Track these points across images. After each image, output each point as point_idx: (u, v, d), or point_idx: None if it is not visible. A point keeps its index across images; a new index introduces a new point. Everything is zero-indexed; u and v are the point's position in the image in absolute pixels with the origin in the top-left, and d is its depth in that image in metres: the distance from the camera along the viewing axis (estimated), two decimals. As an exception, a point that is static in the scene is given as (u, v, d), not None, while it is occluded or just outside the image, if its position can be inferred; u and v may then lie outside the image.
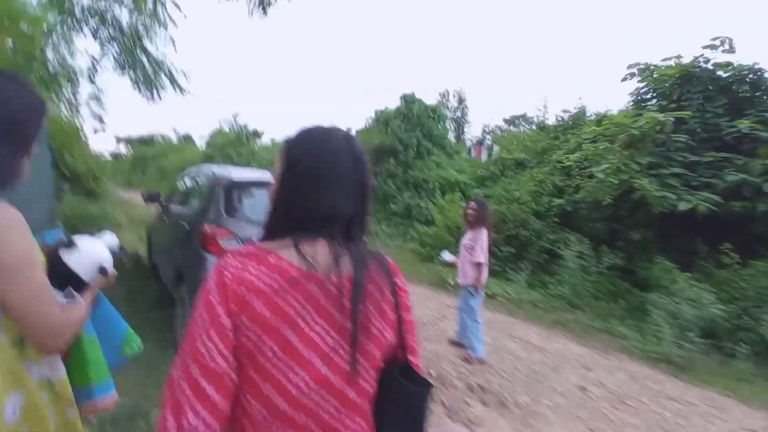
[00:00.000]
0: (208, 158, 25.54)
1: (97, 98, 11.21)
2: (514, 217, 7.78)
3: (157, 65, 5.53)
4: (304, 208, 0.72)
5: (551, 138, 9.88)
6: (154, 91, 5.58)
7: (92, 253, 1.02)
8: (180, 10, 5.41)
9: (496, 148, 13.76)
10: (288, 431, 0.63)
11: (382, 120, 14.26)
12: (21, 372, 0.83)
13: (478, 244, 3.77)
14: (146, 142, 35.57)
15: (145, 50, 5.46)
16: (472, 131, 20.31)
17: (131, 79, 5.59)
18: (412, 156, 13.27)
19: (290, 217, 0.72)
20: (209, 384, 0.59)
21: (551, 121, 11.46)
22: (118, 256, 1.10)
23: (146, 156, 30.34)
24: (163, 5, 5.28)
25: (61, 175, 5.52)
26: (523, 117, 27.47)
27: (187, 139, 37.41)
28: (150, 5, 5.22)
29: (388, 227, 11.55)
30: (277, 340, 0.62)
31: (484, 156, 14.28)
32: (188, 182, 4.42)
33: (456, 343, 4.14)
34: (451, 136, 18.61)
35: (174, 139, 37.22)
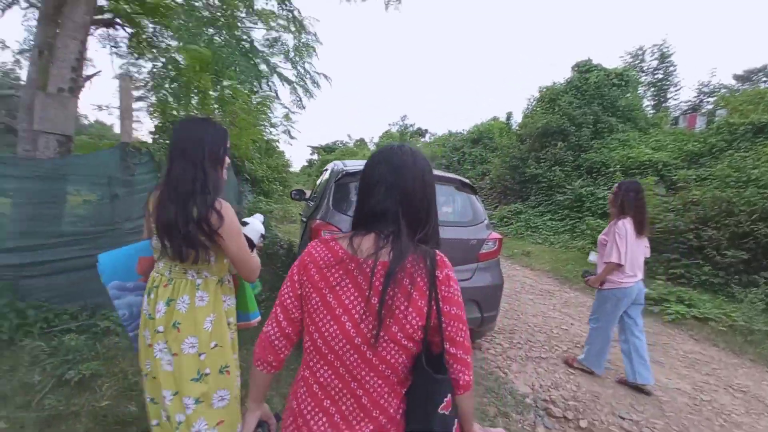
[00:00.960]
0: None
1: (288, 117, 13.59)
2: (749, 207, 5.32)
3: (306, 73, 6.40)
4: (361, 208, 0.93)
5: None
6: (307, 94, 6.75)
7: (255, 226, 1.57)
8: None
9: (721, 113, 10.00)
10: (321, 362, 0.88)
11: (548, 98, 12.33)
12: (219, 301, 1.40)
13: (613, 237, 2.84)
14: (329, 148, 41.77)
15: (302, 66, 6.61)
16: (682, 96, 15.37)
17: (291, 90, 6.62)
18: (587, 136, 11.00)
19: (358, 215, 0.93)
20: (280, 312, 0.93)
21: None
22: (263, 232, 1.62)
23: (328, 161, 35.51)
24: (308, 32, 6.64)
25: (243, 179, 6.70)
26: (764, 71, 19.21)
27: (361, 143, 42.22)
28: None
29: (553, 221, 9.88)
30: (320, 297, 0.87)
31: (700, 125, 10.60)
32: (321, 178, 4.60)
33: (621, 381, 3.01)
34: (648, 106, 14.66)
35: (351, 144, 42.55)
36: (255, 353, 0.96)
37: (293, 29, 7.00)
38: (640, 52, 15.62)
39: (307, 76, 7.07)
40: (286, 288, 0.93)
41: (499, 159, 13.66)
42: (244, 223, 1.54)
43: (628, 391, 2.90)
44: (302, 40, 8.04)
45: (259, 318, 1.68)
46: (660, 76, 15.29)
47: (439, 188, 3.15)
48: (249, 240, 1.48)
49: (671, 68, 15.21)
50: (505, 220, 11.03)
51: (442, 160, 18.17)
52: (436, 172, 3.41)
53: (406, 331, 0.82)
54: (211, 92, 9.76)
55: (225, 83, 11.47)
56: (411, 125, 37.27)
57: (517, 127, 14.51)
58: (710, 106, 13.63)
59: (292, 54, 7.96)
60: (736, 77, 21.14)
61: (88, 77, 4.78)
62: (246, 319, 1.63)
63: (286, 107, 14.58)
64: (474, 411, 0.94)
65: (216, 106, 10.34)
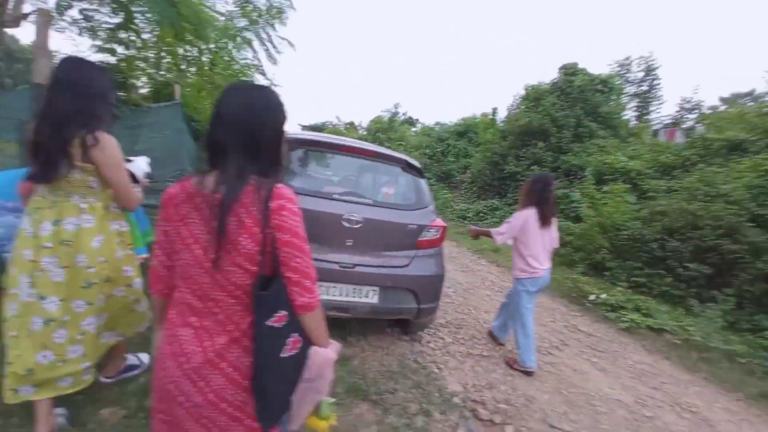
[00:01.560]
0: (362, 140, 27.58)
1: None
2: (715, 222, 5.23)
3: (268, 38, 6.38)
4: (207, 142, 0.99)
5: (804, 106, 6.36)
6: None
7: (140, 164, 2.03)
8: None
9: (701, 129, 10.00)
10: (185, 285, 0.98)
11: (533, 96, 12.15)
12: (105, 224, 1.65)
13: (510, 220, 3.00)
14: (318, 128, 40.95)
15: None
16: (665, 110, 15.47)
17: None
18: (567, 138, 10.88)
19: (207, 150, 0.99)
20: (158, 246, 1.03)
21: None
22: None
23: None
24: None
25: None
26: (751, 95, 19.53)
27: (350, 126, 41.60)
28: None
29: (526, 221, 9.76)
30: (176, 230, 0.97)
31: (679, 141, 10.60)
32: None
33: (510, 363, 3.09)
34: (631, 117, 14.70)
35: (341, 125, 41.85)
36: (148, 283, 1.10)
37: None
38: (627, 62, 15.62)
39: (268, 40, 6.72)
40: (158, 225, 1.02)
41: (480, 154, 13.47)
42: (128, 161, 1.88)
43: (566, 398, 2.70)
44: (273, 3, 7.55)
45: (144, 255, 2.06)
46: (644, 88, 15.33)
47: (382, 168, 2.84)
48: (133, 175, 1.88)
49: (656, 81, 15.26)
50: (480, 214, 10.87)
51: (426, 149, 17.89)
52: (383, 150, 3.11)
53: (245, 256, 0.92)
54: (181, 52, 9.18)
55: (203, 46, 10.82)
56: (404, 113, 36.77)
57: (501, 123, 14.33)
58: (694, 124, 13.74)
59: (257, 16, 7.47)
60: (722, 99, 21.44)
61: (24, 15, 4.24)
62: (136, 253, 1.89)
63: (268, 78, 13.93)
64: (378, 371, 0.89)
65: (185, 68, 9.70)
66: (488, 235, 3.07)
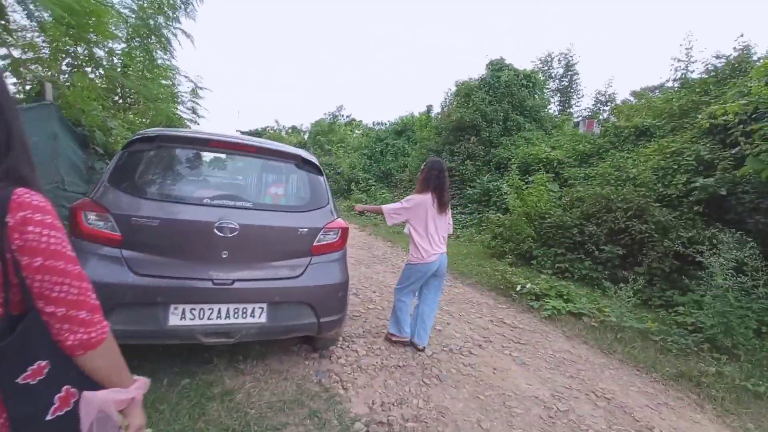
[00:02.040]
0: (301, 145, 26.82)
1: (194, 92, 12.19)
2: (625, 204, 5.47)
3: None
4: None
5: (696, 93, 6.94)
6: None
7: None
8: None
9: (614, 120, 10.73)
10: None
11: (464, 92, 12.37)
12: None
13: (405, 202, 3.04)
14: (257, 134, 39.29)
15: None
16: (584, 103, 16.60)
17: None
18: (497, 132, 11.17)
19: None
20: None
21: (698, 74, 8.26)
22: None
23: (254, 146, 33.47)
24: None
25: (94, 152, 5.45)
26: (660, 89, 21.59)
27: (294, 130, 40.44)
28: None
29: (463, 214, 9.84)
30: None
31: (597, 132, 11.32)
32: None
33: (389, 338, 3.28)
34: (555, 110, 15.55)
35: (282, 130, 40.50)
36: None
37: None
38: (549, 58, 16.53)
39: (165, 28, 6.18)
40: None
41: (416, 151, 13.48)
42: None
43: (481, 404, 2.52)
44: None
45: None
46: (565, 83, 16.33)
47: (270, 165, 2.45)
48: None
49: (575, 76, 16.34)
50: (417, 213, 10.82)
51: (365, 150, 17.67)
52: (271, 145, 2.75)
53: None
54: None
55: (106, 45, 9.71)
56: (347, 116, 36.29)
57: (436, 119, 14.48)
58: (608, 116, 14.82)
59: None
60: (633, 93, 23.51)
61: None
62: None
63: (192, 81, 12.83)
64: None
65: (91, 70, 8.64)
66: (378, 212, 3.11)
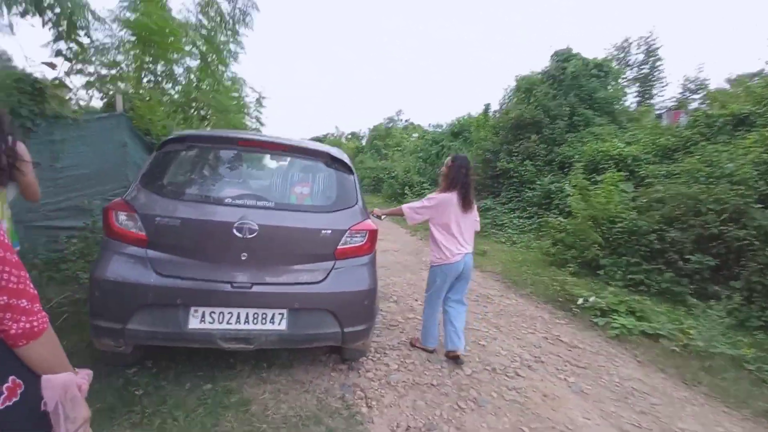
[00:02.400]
0: (357, 150, 27.32)
1: (259, 102, 13.09)
2: (719, 206, 4.61)
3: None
4: None
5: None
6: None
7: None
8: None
9: (705, 108, 9.30)
10: None
11: (524, 88, 11.59)
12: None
13: (428, 201, 2.93)
14: (318, 140, 40.88)
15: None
16: (668, 92, 14.69)
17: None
18: (561, 129, 10.28)
19: None
20: None
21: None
22: None
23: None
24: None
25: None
26: (760, 75, 18.41)
27: (353, 136, 41.56)
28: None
29: (521, 218, 9.17)
30: None
31: (684, 122, 9.91)
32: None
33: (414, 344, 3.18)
34: (633, 102, 13.99)
35: (342, 136, 41.83)
36: None
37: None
38: (625, 45, 14.91)
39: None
40: None
41: (472, 153, 12.93)
42: None
43: None
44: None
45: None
46: (646, 71, 14.60)
47: (297, 164, 2.35)
48: None
49: (658, 63, 14.53)
50: (472, 216, 10.30)
51: (420, 153, 17.42)
52: (299, 143, 2.65)
53: None
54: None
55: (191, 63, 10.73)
56: (407, 120, 36.36)
57: (494, 118, 13.78)
58: (696, 104, 12.97)
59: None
60: (729, 80, 20.43)
61: None
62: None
63: (256, 91, 13.75)
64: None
65: (169, 86, 9.54)
66: (399, 213, 3.01)
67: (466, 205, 2.86)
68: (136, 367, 2.37)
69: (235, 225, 2.09)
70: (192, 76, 11.69)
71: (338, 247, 2.31)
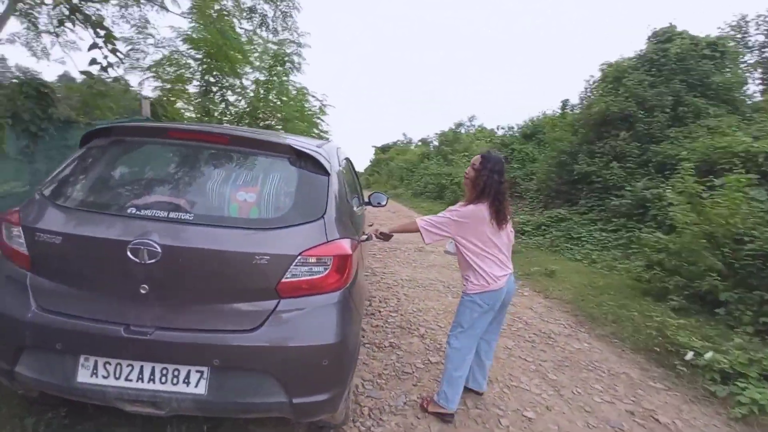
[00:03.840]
0: (423, 156, 26.50)
1: (322, 110, 13.36)
2: None
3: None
4: None
5: None
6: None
7: None
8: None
9: None
10: None
11: (611, 77, 9.80)
12: None
13: (450, 214, 2.17)
14: (386, 147, 40.87)
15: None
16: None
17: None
18: (662, 123, 8.39)
19: None
20: None
21: None
22: None
23: (381, 160, 34.90)
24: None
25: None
26: None
27: (423, 143, 41.04)
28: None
29: (604, 232, 7.55)
30: None
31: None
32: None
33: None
34: (756, 91, 11.15)
35: (411, 143, 41.52)
36: None
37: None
38: (742, 23, 11.97)
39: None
40: None
41: (545, 155, 11.36)
42: None
43: None
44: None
45: None
46: (769, 54, 11.53)
47: (251, 162, 1.59)
48: None
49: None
50: (542, 228, 8.85)
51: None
52: (252, 134, 1.96)
53: None
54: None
55: (260, 76, 11.20)
56: (479, 125, 34.62)
57: (573, 115, 11.99)
58: None
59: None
60: None
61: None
62: None
63: (318, 99, 13.97)
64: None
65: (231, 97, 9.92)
66: (410, 230, 2.25)
67: (500, 220, 2.16)
68: (52, 413, 1.88)
69: (130, 245, 1.48)
70: (259, 88, 12.18)
71: (282, 279, 1.57)
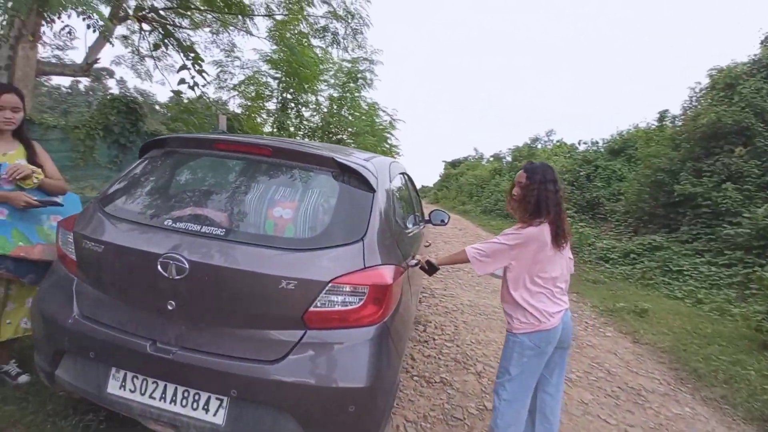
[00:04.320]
0: (495, 172, 25.42)
1: (392, 125, 13.62)
2: None
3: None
4: None
5: None
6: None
7: None
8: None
9: None
10: None
11: (722, 83, 8.39)
12: None
13: (504, 239, 1.81)
14: (457, 162, 40.06)
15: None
16: None
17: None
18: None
19: None
20: None
21: None
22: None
23: (451, 175, 34.24)
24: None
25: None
26: None
27: (495, 157, 39.68)
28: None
29: (714, 266, 6.34)
30: None
31: None
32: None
33: None
34: None
35: (482, 159, 40.37)
36: None
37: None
38: None
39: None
40: None
41: (637, 173, 10.06)
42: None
43: None
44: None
45: None
46: None
47: (293, 175, 1.63)
48: None
49: None
50: (631, 256, 7.74)
51: (566, 174, 14.80)
52: (295, 146, 1.86)
53: None
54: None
55: (334, 93, 11.85)
56: (558, 140, 32.55)
57: (674, 128, 10.50)
58: None
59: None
60: None
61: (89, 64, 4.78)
62: None
63: (389, 114, 14.24)
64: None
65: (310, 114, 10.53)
66: (461, 261, 1.91)
67: (559, 240, 1.80)
68: (93, 415, 1.91)
69: (161, 259, 1.42)
70: (333, 104, 12.73)
71: (309, 308, 1.40)
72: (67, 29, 3.97)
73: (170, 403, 1.45)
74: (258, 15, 5.97)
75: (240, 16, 5.57)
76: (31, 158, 2.00)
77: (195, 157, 1.87)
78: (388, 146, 13.95)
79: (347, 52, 8.35)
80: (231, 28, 6.73)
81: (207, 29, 6.31)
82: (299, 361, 1.38)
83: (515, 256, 1.80)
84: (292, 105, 11.85)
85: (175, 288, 1.43)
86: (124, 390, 1.49)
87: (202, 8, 5.51)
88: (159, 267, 1.42)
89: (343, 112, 12.55)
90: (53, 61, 4.82)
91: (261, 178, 1.74)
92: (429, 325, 3.83)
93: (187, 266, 1.40)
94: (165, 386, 1.46)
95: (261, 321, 1.43)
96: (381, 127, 13.89)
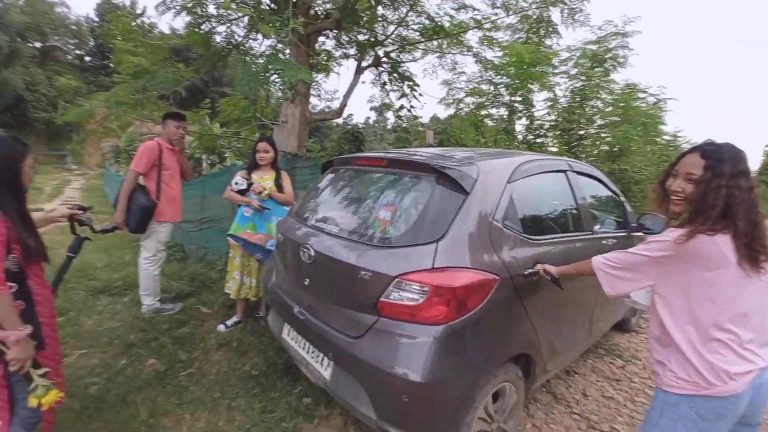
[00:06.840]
0: None
1: (657, 107, 11.22)
2: None
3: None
4: None
5: None
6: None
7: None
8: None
9: None
10: None
11: None
12: None
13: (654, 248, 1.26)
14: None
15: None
16: None
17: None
18: None
19: None
20: None
21: None
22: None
23: None
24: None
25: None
26: None
27: None
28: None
29: None
30: None
31: None
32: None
33: None
34: None
35: None
36: None
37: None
38: None
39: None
40: None
41: None
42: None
43: None
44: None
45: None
46: None
47: (400, 181, 2.02)
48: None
49: None
50: None
51: None
52: (404, 156, 2.04)
53: None
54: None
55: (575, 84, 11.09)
56: None
57: None
58: None
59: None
60: None
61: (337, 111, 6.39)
62: None
63: (652, 94, 11.86)
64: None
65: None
66: (584, 272, 1.49)
67: (753, 260, 1.17)
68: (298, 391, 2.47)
69: (302, 247, 1.99)
70: (575, 96, 11.43)
71: (381, 298, 1.60)
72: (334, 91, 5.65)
73: (307, 353, 1.99)
74: (470, 28, 6.26)
75: (453, 36, 6.07)
76: (277, 181, 3.07)
77: (343, 171, 2.41)
78: (655, 133, 11.02)
79: (559, 36, 7.39)
80: (447, 50, 7.33)
81: (429, 56, 7.19)
82: (371, 343, 1.62)
83: (664, 272, 1.26)
84: (521, 107, 11.37)
85: (308, 269, 1.96)
86: (288, 337, 2.16)
87: (422, 40, 6.37)
88: (301, 252, 2.00)
89: (590, 103, 10.93)
90: (326, 109, 6.95)
91: (378, 185, 2.08)
92: (632, 362, 3.03)
93: (313, 253, 1.91)
94: (304, 341, 2.02)
95: (350, 302, 1.75)
96: (644, 111, 11.08)
